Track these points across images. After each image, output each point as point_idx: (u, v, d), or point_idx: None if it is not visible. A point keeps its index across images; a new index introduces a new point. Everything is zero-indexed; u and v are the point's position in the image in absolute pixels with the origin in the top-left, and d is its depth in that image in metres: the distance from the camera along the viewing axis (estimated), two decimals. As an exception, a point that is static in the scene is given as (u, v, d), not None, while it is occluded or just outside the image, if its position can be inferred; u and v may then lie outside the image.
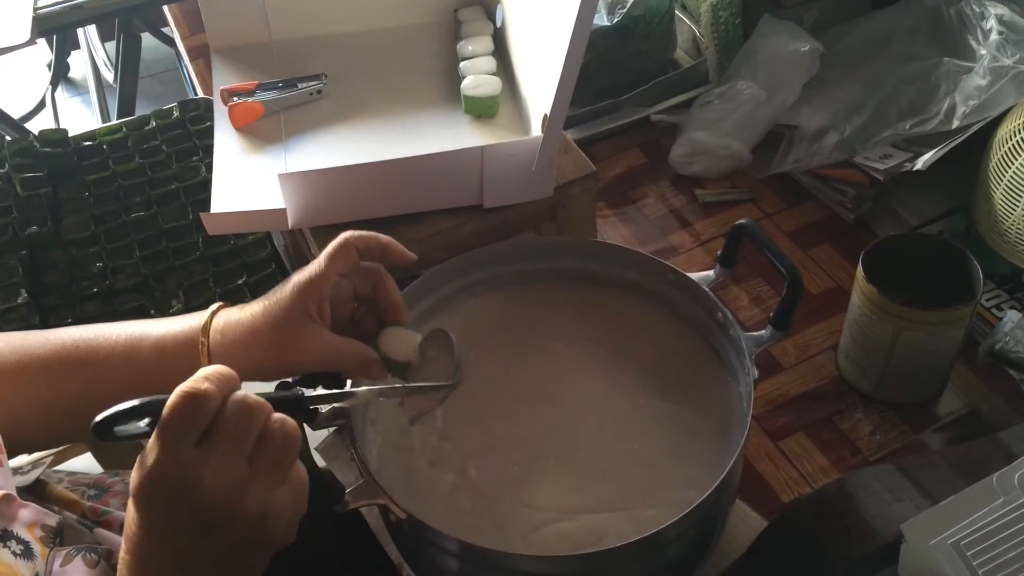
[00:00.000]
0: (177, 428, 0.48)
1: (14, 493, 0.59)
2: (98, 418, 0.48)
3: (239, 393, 0.50)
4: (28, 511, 0.60)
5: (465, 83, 0.87)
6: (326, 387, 0.63)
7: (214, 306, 0.67)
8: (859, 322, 0.83)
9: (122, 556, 0.50)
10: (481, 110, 0.84)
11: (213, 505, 0.48)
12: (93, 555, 0.66)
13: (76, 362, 0.66)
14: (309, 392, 0.56)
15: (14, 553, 0.56)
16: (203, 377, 0.49)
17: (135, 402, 0.48)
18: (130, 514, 0.49)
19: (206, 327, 0.65)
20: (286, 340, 0.65)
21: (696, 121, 1.10)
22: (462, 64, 0.91)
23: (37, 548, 0.59)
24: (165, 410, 0.48)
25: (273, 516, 0.50)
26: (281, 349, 0.65)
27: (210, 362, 0.64)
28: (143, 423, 0.48)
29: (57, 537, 0.62)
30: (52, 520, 0.62)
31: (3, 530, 0.56)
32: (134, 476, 0.48)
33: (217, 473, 0.48)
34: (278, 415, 0.51)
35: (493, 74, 0.89)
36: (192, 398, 0.48)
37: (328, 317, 0.66)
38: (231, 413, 0.49)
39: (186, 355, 0.65)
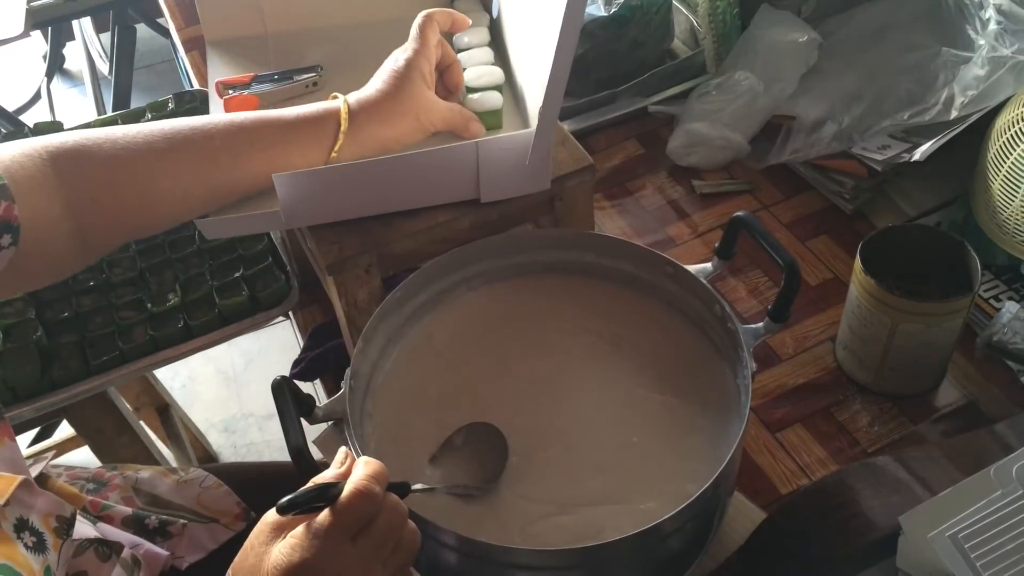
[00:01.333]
0: (346, 524, 0.52)
1: (32, 479, 0.60)
2: (285, 500, 0.52)
3: (393, 498, 0.54)
4: (44, 500, 0.60)
5: (465, 75, 0.87)
6: None
7: (334, 95, 0.77)
8: (857, 313, 0.83)
9: None
10: (488, 124, 0.84)
11: None
12: (105, 548, 0.66)
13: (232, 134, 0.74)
14: (416, 486, 0.60)
15: (26, 546, 0.56)
16: (373, 477, 0.53)
17: (314, 488, 0.53)
18: None
19: (342, 107, 0.75)
20: (419, 105, 0.77)
21: (694, 112, 1.09)
22: (459, 56, 0.91)
23: (50, 540, 0.60)
24: (342, 503, 0.52)
25: None
26: (416, 114, 0.77)
27: (347, 130, 0.75)
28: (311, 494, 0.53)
29: (70, 528, 0.62)
30: (67, 511, 0.63)
31: (19, 519, 0.57)
32: (292, 555, 0.51)
33: (362, 571, 0.52)
34: (411, 524, 0.55)
35: (491, 64, 0.88)
36: (366, 498, 0.52)
37: (434, 84, 0.80)
38: (385, 518, 0.53)
39: (323, 128, 0.75)
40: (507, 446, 0.71)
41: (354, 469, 0.55)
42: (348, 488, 0.53)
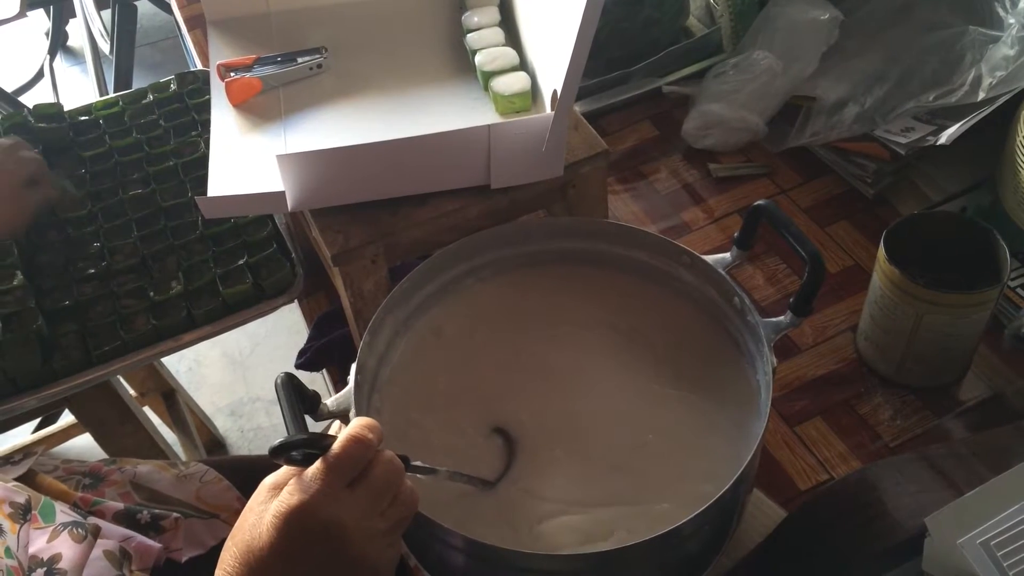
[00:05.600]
0: (344, 469, 0.51)
1: None
2: (278, 442, 0.52)
3: (389, 452, 0.54)
4: None
5: (479, 59, 0.84)
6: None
7: None
8: (880, 304, 0.80)
9: (233, 565, 0.51)
10: (518, 107, 0.81)
11: (350, 547, 0.51)
12: (80, 530, 0.66)
13: None
14: (415, 462, 0.59)
15: None
16: (367, 427, 0.53)
17: (309, 436, 0.53)
18: (261, 530, 0.51)
19: None
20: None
21: (710, 92, 1.06)
22: (468, 36, 0.88)
23: (6, 524, 0.62)
24: (336, 448, 0.52)
25: (381, 571, 0.53)
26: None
27: None
28: (297, 453, 0.52)
29: (27, 513, 0.63)
30: (20, 497, 0.64)
31: None
32: (289, 500, 0.50)
33: (361, 519, 0.51)
34: (409, 483, 0.55)
35: (502, 46, 0.85)
36: (360, 444, 0.52)
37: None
38: (382, 468, 0.53)
39: None
40: (515, 447, 0.69)
41: (349, 424, 0.56)
42: (343, 435, 0.53)
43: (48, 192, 0.95)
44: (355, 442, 0.52)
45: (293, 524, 0.50)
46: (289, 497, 0.51)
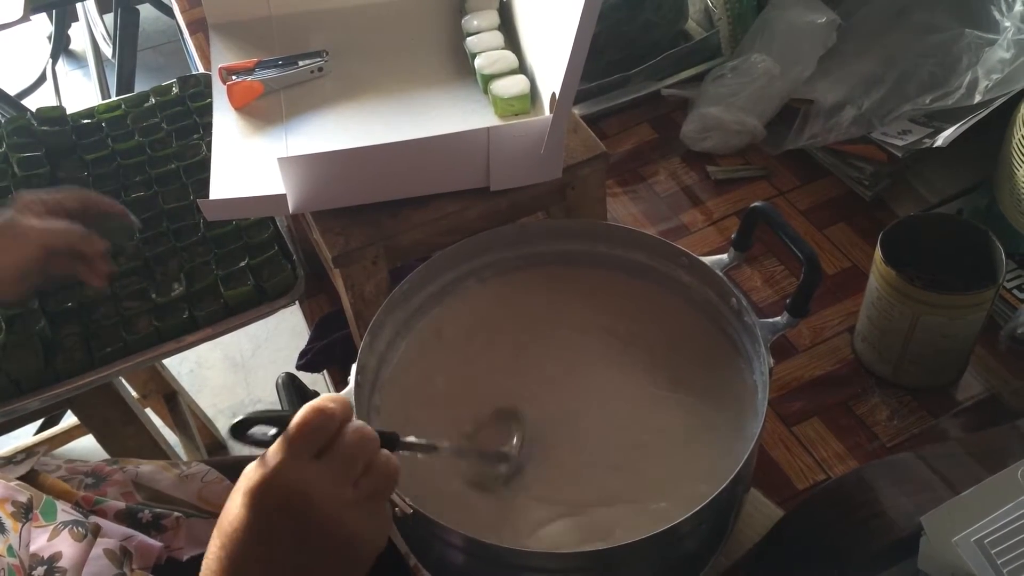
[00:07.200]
0: (304, 438, 0.50)
1: None
2: (236, 419, 0.51)
3: (357, 421, 0.53)
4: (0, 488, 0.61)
5: (479, 62, 0.84)
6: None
7: None
8: (877, 305, 0.81)
9: (214, 551, 0.51)
10: (517, 109, 0.82)
11: (319, 517, 0.50)
12: (80, 529, 0.66)
13: None
14: (408, 438, 0.59)
15: None
16: (329, 399, 0.52)
17: (269, 411, 0.52)
18: (233, 512, 0.50)
19: None
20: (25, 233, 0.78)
21: (708, 95, 1.07)
22: (468, 40, 0.89)
23: (9, 523, 0.61)
24: (294, 420, 0.51)
25: (361, 542, 0.52)
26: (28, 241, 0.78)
27: None
28: (271, 432, 0.51)
29: (28, 512, 0.63)
30: (23, 496, 0.64)
31: None
32: (253, 475, 0.50)
33: (329, 488, 0.50)
34: (384, 451, 0.54)
35: (502, 49, 0.86)
36: (320, 413, 0.51)
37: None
38: (349, 437, 0.51)
39: None
40: (525, 427, 0.69)
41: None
42: (305, 406, 0.52)
43: (71, 267, 0.86)
44: (315, 412, 0.51)
45: (258, 499, 0.49)
46: (253, 473, 0.50)
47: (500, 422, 0.70)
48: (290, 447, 0.50)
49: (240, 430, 0.51)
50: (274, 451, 0.50)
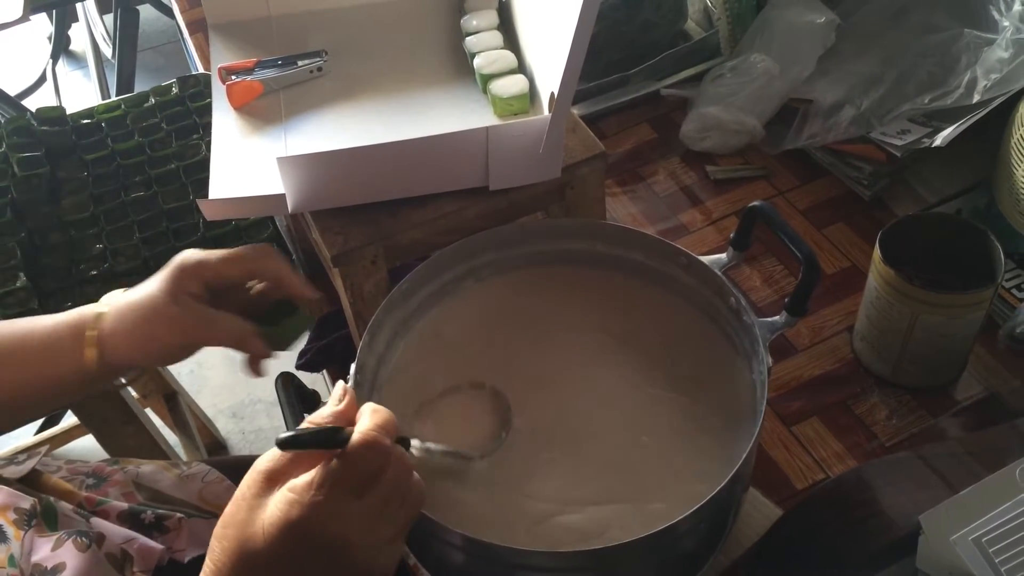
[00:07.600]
0: (353, 479, 0.48)
1: None
2: (285, 435, 0.48)
3: (400, 450, 0.50)
4: (2, 495, 0.60)
5: (478, 61, 0.84)
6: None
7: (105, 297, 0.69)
8: (876, 304, 0.81)
9: (222, 560, 0.49)
10: (516, 109, 0.82)
11: (352, 556, 0.48)
12: (84, 539, 0.66)
13: None
14: (414, 442, 0.58)
15: None
16: (383, 427, 0.49)
17: (316, 429, 0.49)
18: (257, 538, 0.47)
19: (95, 317, 0.67)
20: (182, 318, 0.67)
21: (708, 95, 1.07)
22: (467, 39, 0.89)
23: (11, 531, 0.60)
24: (349, 455, 0.47)
25: (383, 571, 0.51)
26: (183, 328, 0.67)
27: (100, 350, 0.66)
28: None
29: (32, 519, 0.62)
30: (26, 503, 0.63)
31: None
32: (291, 511, 0.47)
33: (367, 532, 0.48)
34: (416, 476, 0.51)
35: (501, 48, 0.86)
36: (376, 451, 0.48)
37: (204, 295, 0.69)
38: (393, 473, 0.49)
39: (75, 347, 0.66)
40: (510, 414, 0.68)
41: (360, 416, 0.51)
42: (357, 437, 0.48)
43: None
44: (372, 449, 0.48)
45: (297, 536, 0.47)
46: (289, 508, 0.47)
47: (477, 404, 0.69)
48: (336, 486, 0.47)
49: (289, 447, 0.49)
50: (318, 486, 0.47)
